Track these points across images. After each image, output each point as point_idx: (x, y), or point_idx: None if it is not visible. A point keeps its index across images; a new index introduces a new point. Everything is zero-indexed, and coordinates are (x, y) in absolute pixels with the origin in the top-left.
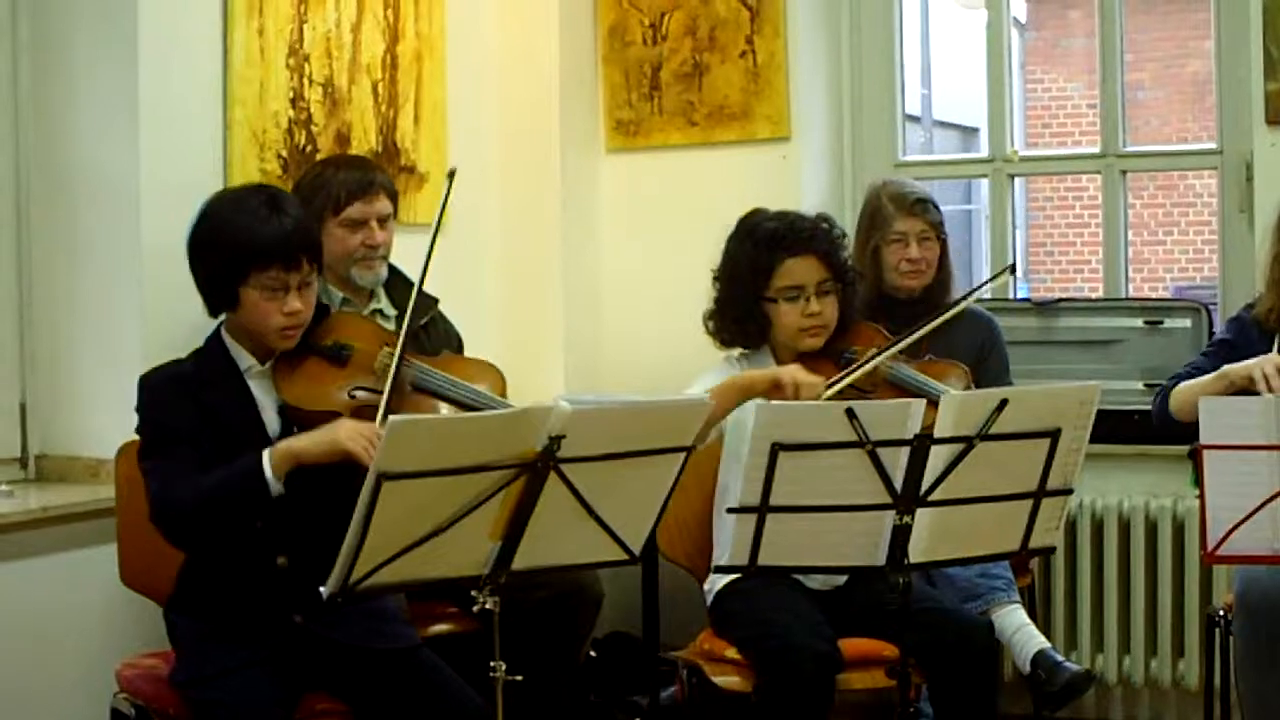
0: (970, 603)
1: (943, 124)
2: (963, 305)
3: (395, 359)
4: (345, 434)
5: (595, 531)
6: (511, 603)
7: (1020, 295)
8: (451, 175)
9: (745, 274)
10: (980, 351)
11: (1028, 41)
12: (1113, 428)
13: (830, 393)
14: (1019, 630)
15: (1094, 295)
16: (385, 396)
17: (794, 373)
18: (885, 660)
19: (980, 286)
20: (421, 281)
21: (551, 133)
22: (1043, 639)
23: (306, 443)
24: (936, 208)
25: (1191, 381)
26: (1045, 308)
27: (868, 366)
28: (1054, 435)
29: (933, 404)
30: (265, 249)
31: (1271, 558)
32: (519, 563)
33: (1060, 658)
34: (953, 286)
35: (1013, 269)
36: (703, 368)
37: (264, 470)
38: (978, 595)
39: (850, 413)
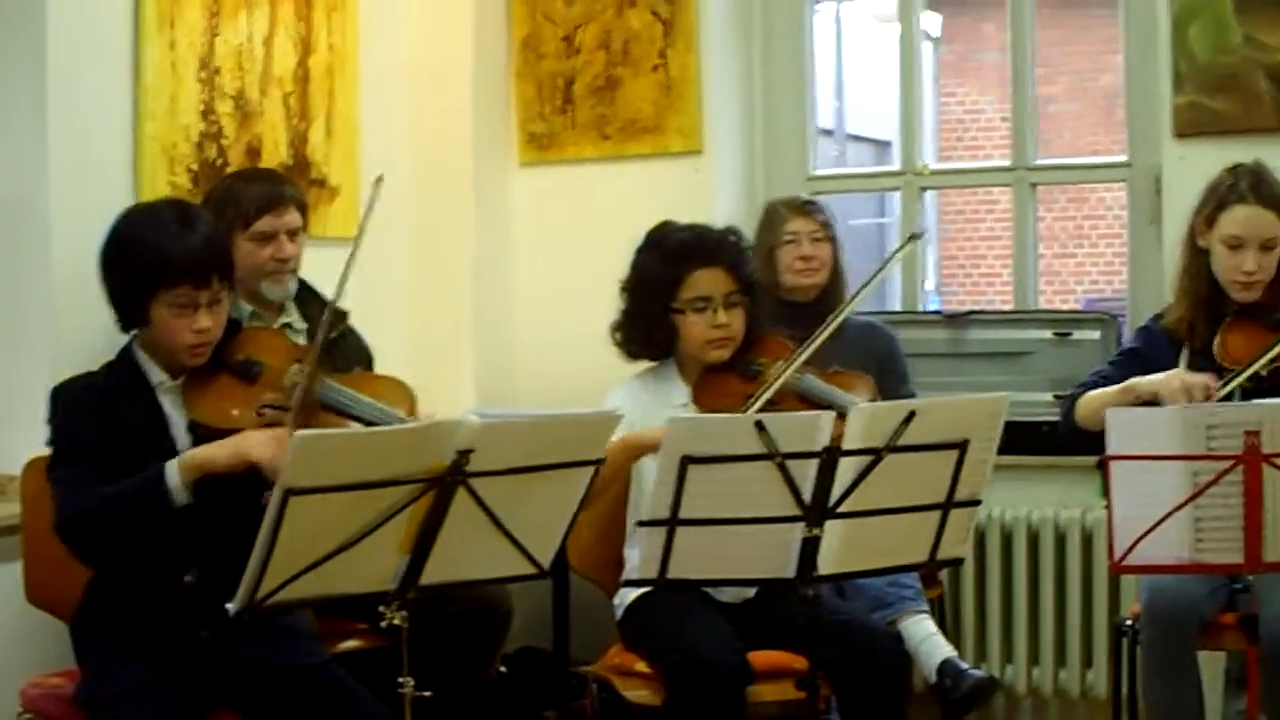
0: (879, 612)
1: (857, 138)
2: (871, 284)
3: (305, 377)
4: (250, 442)
5: (504, 546)
6: (421, 618)
7: (931, 308)
8: (377, 182)
9: (653, 285)
10: (880, 363)
11: (941, 55)
12: (1022, 439)
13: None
14: (926, 639)
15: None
16: (292, 415)
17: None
18: (794, 672)
19: (890, 259)
20: (337, 296)
21: (464, 146)
22: (949, 648)
23: (214, 451)
24: (825, 210)
25: (1098, 391)
26: (955, 320)
27: (776, 385)
28: (962, 447)
29: (840, 415)
30: (175, 267)
31: (1178, 567)
32: (428, 578)
33: (965, 665)
34: (847, 287)
35: (917, 236)
36: (616, 381)
37: (167, 478)
38: (887, 604)
39: (759, 425)
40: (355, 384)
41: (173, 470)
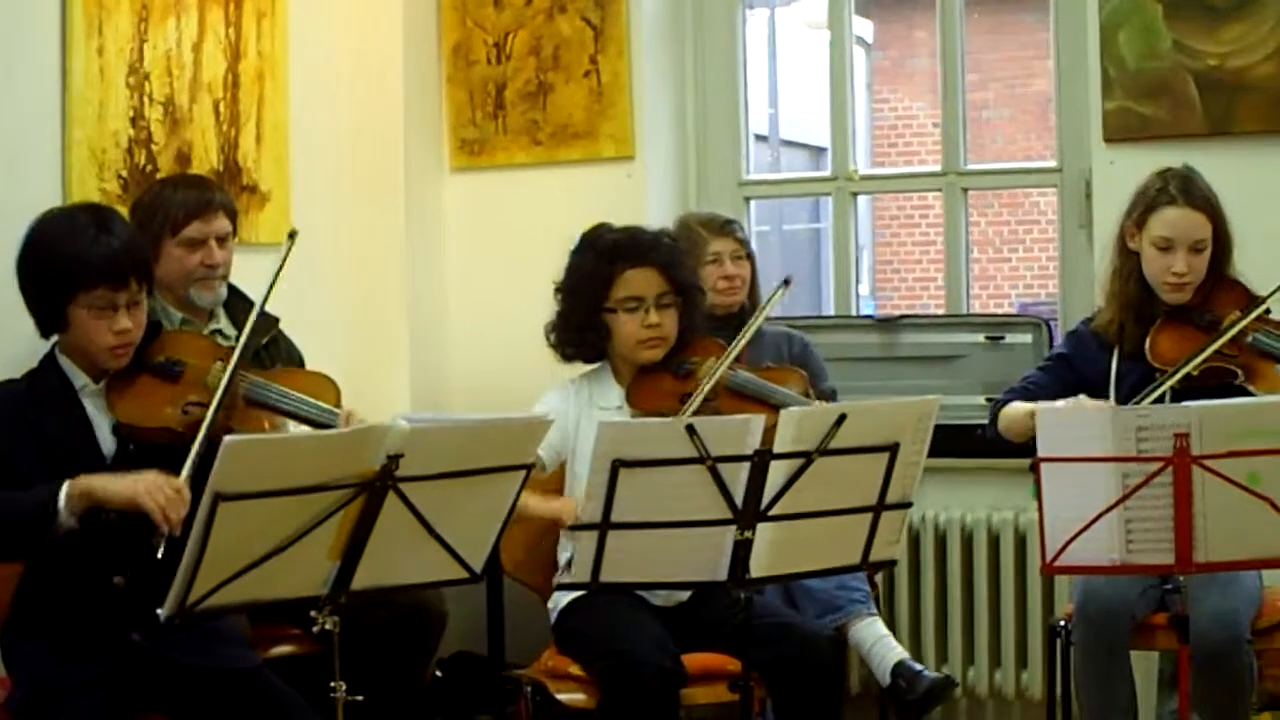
0: (828, 616)
1: (792, 143)
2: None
3: (229, 373)
4: (144, 487)
5: (436, 550)
6: (354, 623)
7: (866, 312)
8: (292, 236)
9: (586, 285)
10: (794, 363)
11: (875, 61)
12: (955, 442)
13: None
14: (878, 642)
15: (938, 312)
16: (211, 410)
17: (574, 510)
18: (728, 675)
19: (769, 300)
20: (264, 301)
21: (395, 152)
22: (901, 650)
23: (108, 486)
24: (742, 229)
25: (1015, 408)
26: (887, 324)
27: (711, 382)
28: (893, 449)
29: (775, 408)
30: (92, 269)
31: (1109, 568)
32: (359, 582)
33: (920, 666)
34: (761, 296)
35: (786, 283)
36: (552, 384)
37: (60, 500)
38: (836, 608)
39: (690, 429)
40: (280, 379)
41: (64, 494)
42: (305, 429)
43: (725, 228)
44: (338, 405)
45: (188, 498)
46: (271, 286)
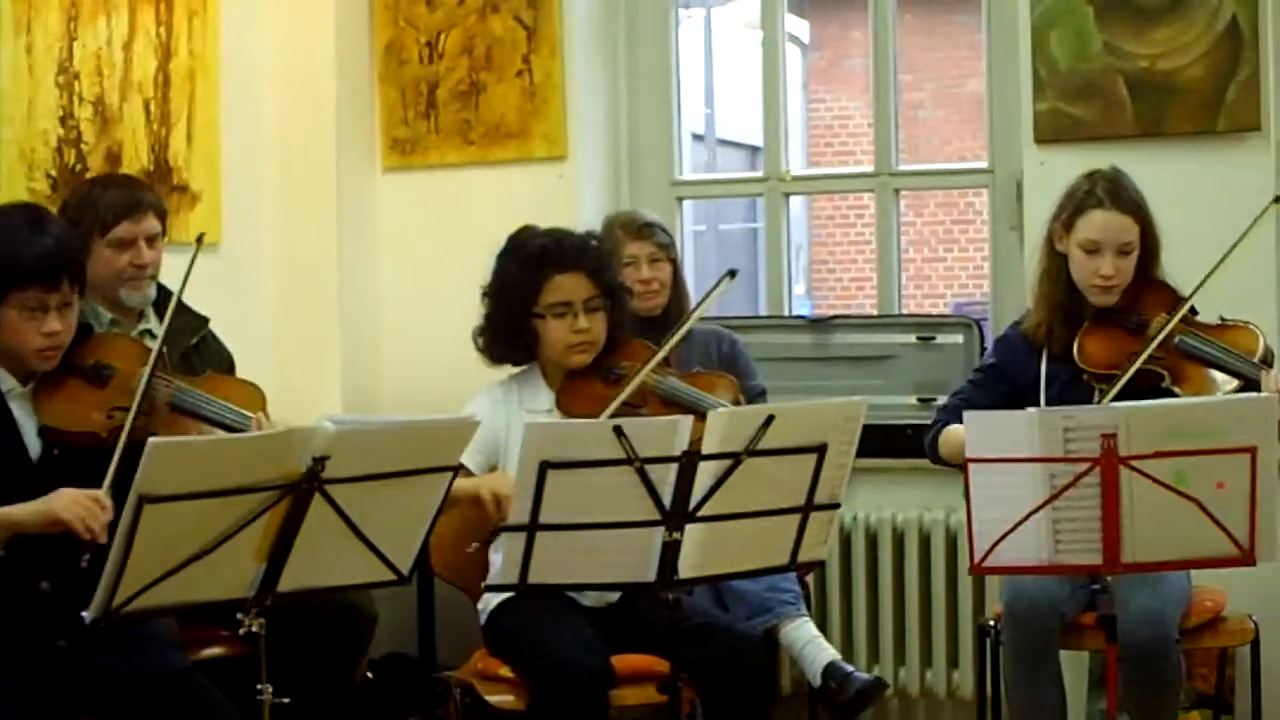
0: (759, 617)
1: (729, 143)
2: (706, 302)
3: (144, 379)
4: (62, 505)
5: (363, 552)
6: (282, 625)
7: (802, 312)
8: (199, 240)
9: (514, 290)
10: (726, 365)
11: (811, 61)
12: (886, 442)
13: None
14: (809, 643)
15: (872, 311)
16: (130, 415)
17: (494, 486)
18: (657, 676)
19: (710, 292)
20: (179, 302)
21: (327, 151)
22: (832, 650)
23: (24, 513)
24: (665, 231)
25: (955, 432)
26: (820, 325)
27: (632, 387)
28: (820, 450)
29: (701, 416)
30: (24, 269)
31: (1037, 568)
32: (285, 584)
33: (851, 668)
34: (689, 298)
35: (732, 274)
36: (483, 385)
37: None
38: (766, 610)
39: (619, 430)
40: (206, 386)
41: None
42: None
43: (642, 231)
44: (263, 413)
45: (108, 505)
46: (180, 290)
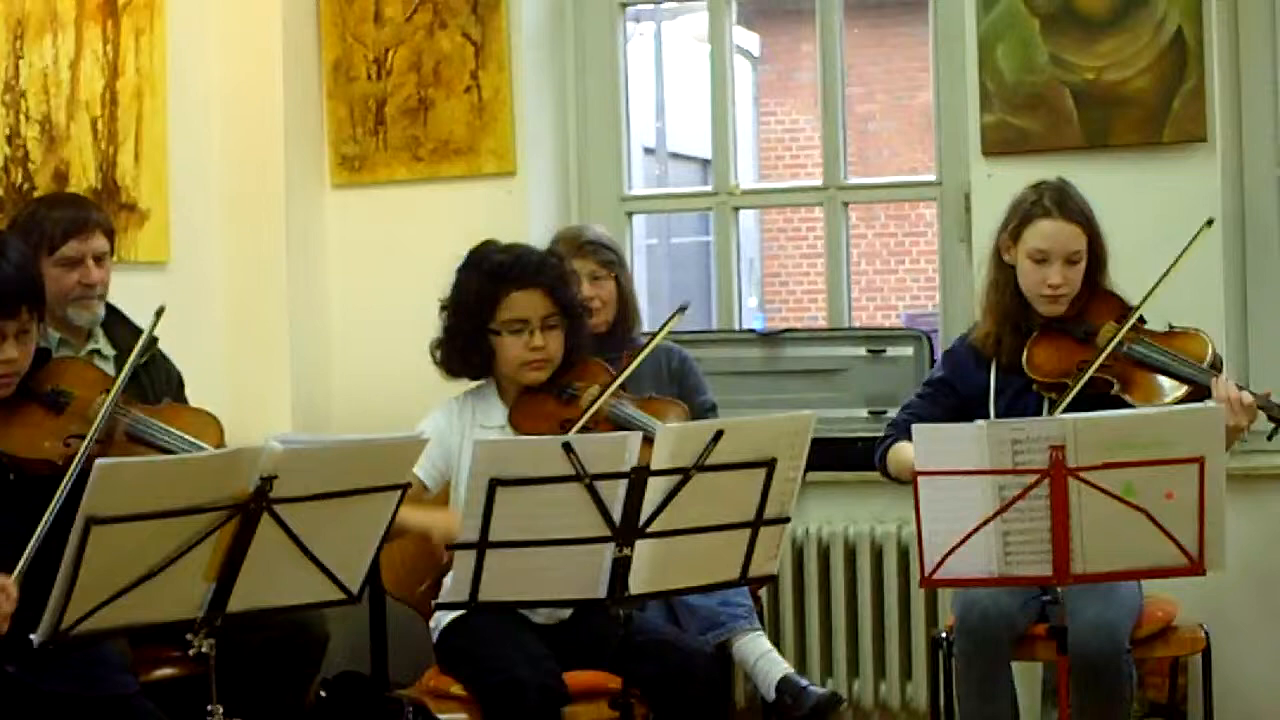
0: (712, 632)
1: (681, 157)
2: (657, 337)
3: (105, 409)
4: None
5: (312, 571)
6: (233, 645)
7: (754, 325)
8: (159, 314)
9: (471, 305)
10: (677, 380)
11: (761, 74)
12: (837, 455)
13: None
14: (762, 657)
15: (824, 324)
16: (84, 445)
17: (446, 529)
18: (609, 692)
19: (663, 327)
20: (153, 336)
21: (276, 168)
22: (786, 665)
23: None
24: (609, 249)
25: (904, 450)
26: (771, 338)
27: (590, 412)
28: (770, 465)
29: (649, 442)
30: None
31: (988, 580)
32: (235, 605)
33: (805, 682)
34: (637, 319)
35: (683, 309)
36: (436, 402)
37: None
38: (719, 624)
39: (568, 447)
40: (163, 416)
41: None
42: None
43: (584, 248)
44: (219, 444)
45: (13, 595)
46: (134, 359)
